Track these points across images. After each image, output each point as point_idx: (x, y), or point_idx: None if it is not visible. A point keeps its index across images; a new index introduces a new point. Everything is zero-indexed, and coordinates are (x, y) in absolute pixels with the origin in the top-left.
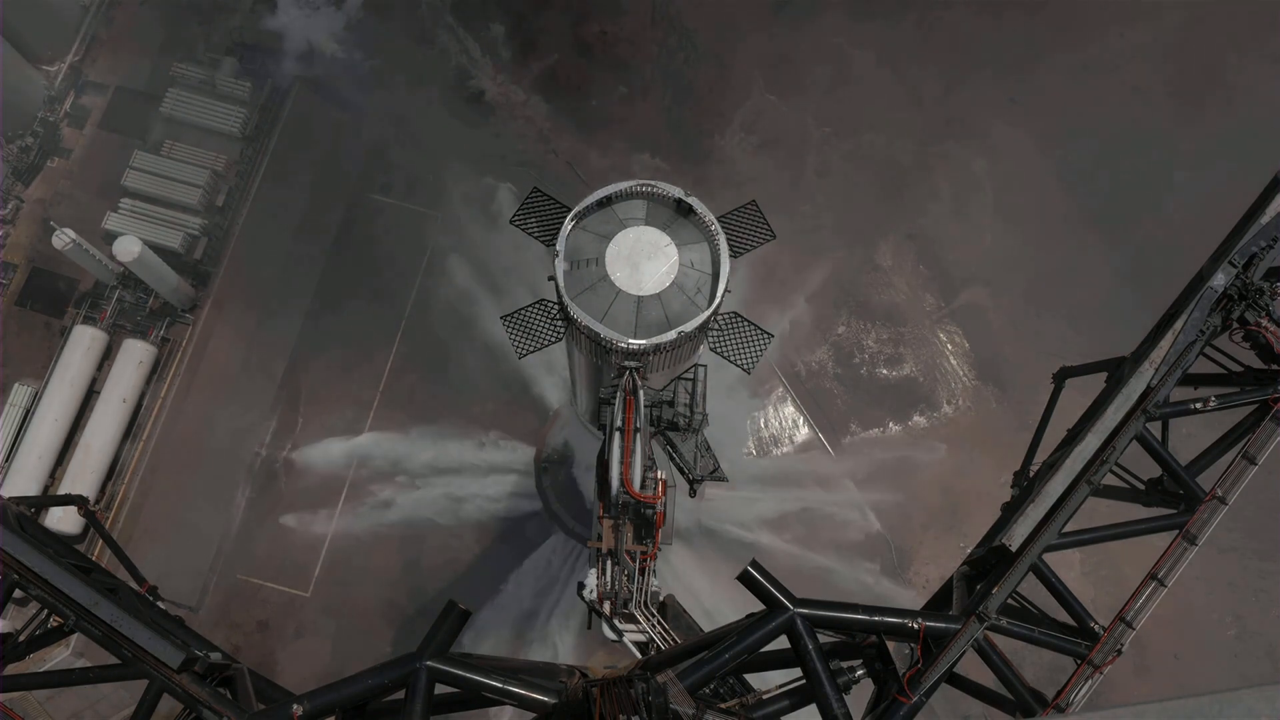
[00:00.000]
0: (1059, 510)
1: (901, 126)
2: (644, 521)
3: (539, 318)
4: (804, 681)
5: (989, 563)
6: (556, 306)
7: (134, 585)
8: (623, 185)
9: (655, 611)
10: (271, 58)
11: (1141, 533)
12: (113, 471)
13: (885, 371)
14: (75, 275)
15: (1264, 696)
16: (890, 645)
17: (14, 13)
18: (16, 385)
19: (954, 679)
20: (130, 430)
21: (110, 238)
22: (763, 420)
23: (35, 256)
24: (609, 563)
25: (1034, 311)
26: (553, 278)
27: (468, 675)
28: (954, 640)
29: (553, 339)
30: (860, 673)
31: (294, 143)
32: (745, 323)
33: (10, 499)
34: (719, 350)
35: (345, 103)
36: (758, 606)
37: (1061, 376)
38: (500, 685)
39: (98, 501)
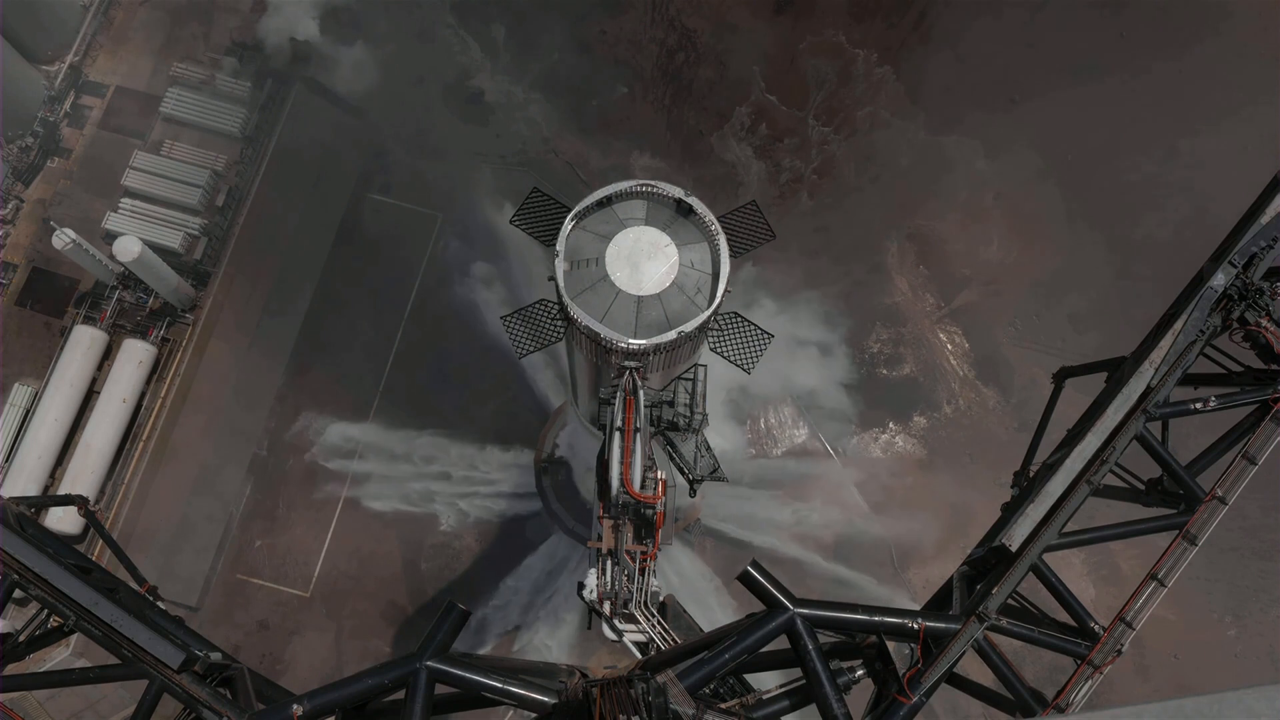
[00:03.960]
0: (1059, 510)
1: (901, 126)
2: (644, 521)
3: (539, 318)
4: (804, 681)
5: (989, 563)
6: (556, 306)
7: (134, 585)
8: (623, 185)
9: (655, 611)
10: (271, 57)
11: (1141, 533)
12: (113, 471)
13: (885, 371)
14: (75, 275)
15: (1264, 696)
16: (890, 645)
17: (14, 13)
18: (16, 385)
19: (954, 679)
20: (130, 430)
21: (110, 238)
22: (762, 421)
23: (35, 256)
24: (609, 563)
25: (1034, 311)
26: (553, 278)
27: (468, 675)
28: (954, 640)
29: (553, 339)
30: (860, 673)
31: (294, 143)
32: (745, 323)
33: (10, 499)
34: (719, 350)
35: (345, 103)
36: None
37: (1061, 376)
38: (500, 685)
39: (98, 501)
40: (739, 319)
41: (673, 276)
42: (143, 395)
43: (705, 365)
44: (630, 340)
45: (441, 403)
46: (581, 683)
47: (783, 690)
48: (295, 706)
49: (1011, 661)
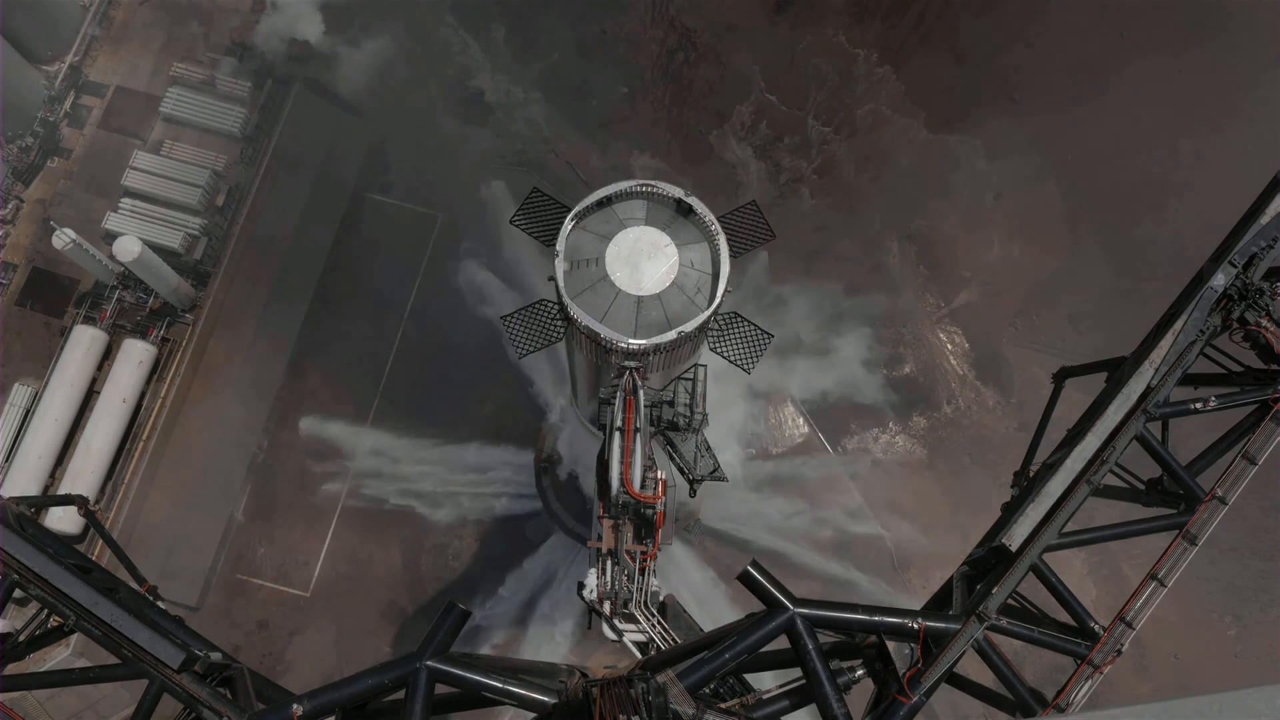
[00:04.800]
0: (1059, 510)
1: (902, 126)
2: (644, 521)
3: (539, 318)
4: (804, 681)
5: (989, 563)
6: (556, 306)
7: (134, 585)
8: (623, 185)
9: (655, 611)
10: (271, 57)
11: (1141, 533)
12: (113, 471)
13: (885, 371)
14: (75, 275)
15: (1264, 696)
16: (890, 645)
17: (14, 13)
18: (16, 385)
19: (954, 679)
20: (130, 430)
21: (110, 238)
22: (762, 420)
23: (35, 256)
24: (609, 563)
25: (1034, 311)
26: (553, 278)
27: (468, 675)
28: (954, 640)
29: (553, 339)
30: (860, 673)
31: (294, 143)
32: (745, 323)
33: (10, 499)
34: (719, 350)
35: (345, 103)
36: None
37: (1061, 376)
38: (500, 685)
39: (98, 501)
40: (739, 319)
41: (673, 276)
42: (143, 395)
43: (705, 365)
44: (630, 340)
45: (441, 402)
46: (581, 683)
47: (783, 690)
48: (295, 706)
49: (1011, 661)
